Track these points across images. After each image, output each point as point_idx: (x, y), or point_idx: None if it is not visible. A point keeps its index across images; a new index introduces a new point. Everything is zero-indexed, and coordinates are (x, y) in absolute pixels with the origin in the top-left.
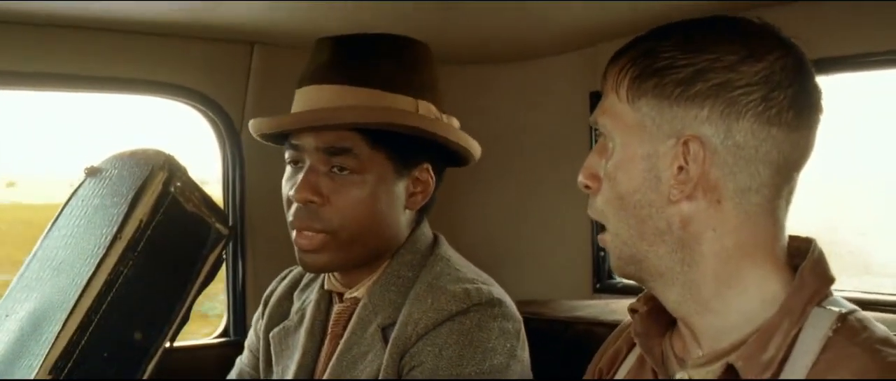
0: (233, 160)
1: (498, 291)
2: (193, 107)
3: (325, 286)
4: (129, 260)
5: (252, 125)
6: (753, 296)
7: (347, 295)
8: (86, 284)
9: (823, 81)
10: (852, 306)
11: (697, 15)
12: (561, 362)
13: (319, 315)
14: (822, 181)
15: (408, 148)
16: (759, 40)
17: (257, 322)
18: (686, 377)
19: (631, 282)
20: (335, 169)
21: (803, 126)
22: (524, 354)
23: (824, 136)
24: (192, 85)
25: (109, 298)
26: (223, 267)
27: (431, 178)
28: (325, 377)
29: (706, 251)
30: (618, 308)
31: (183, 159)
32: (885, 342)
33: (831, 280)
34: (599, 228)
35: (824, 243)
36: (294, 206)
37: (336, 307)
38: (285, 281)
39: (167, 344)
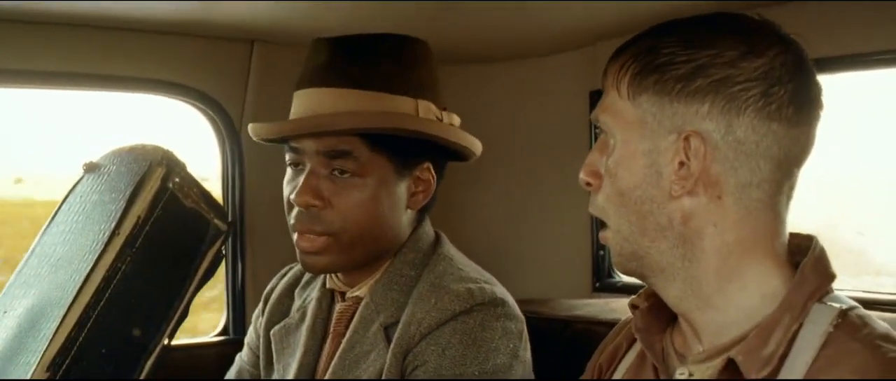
0: (232, 158)
1: (501, 290)
2: (193, 105)
3: (327, 285)
4: (127, 256)
5: (252, 129)
6: (754, 292)
7: (350, 294)
8: (84, 280)
9: (823, 79)
10: (853, 303)
11: (697, 14)
12: (560, 360)
13: (321, 314)
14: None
15: (408, 149)
16: (758, 36)
17: (257, 319)
18: (686, 373)
19: (630, 281)
20: (336, 172)
21: (803, 122)
22: (526, 354)
23: (824, 135)
24: (192, 83)
25: (108, 294)
26: (222, 264)
27: (432, 177)
28: (326, 376)
29: (707, 247)
30: (617, 307)
31: (182, 157)
32: (886, 338)
33: (832, 277)
34: (600, 225)
35: (824, 242)
36: (295, 209)
37: (338, 306)
38: (286, 278)
39: (166, 341)
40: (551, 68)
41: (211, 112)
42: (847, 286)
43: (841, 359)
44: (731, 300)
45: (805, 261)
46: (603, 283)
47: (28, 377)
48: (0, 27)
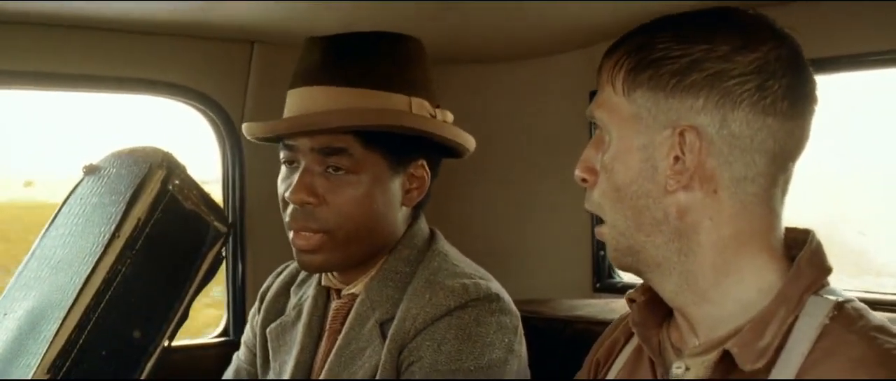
0: (232, 160)
1: (495, 286)
2: (193, 106)
3: (323, 283)
4: (127, 258)
5: (246, 129)
6: (750, 285)
7: (345, 291)
8: (84, 282)
9: (820, 79)
10: (849, 296)
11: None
12: (560, 360)
13: (317, 311)
14: (823, 180)
15: (402, 146)
16: (753, 31)
17: (254, 318)
18: (683, 366)
19: (631, 281)
20: (330, 169)
21: (798, 115)
22: (522, 349)
23: (824, 133)
24: (192, 84)
25: (108, 296)
26: (222, 266)
27: (427, 173)
28: (323, 373)
29: (703, 241)
30: (617, 307)
31: (182, 159)
32: (882, 329)
33: (828, 270)
34: (597, 221)
35: (825, 242)
36: (290, 206)
37: (334, 304)
38: (282, 277)
39: (166, 343)
40: (551, 68)
41: (211, 113)
42: (848, 287)
43: (837, 351)
44: (727, 294)
45: (801, 254)
46: (603, 283)
47: (28, 379)
48: (2, 29)
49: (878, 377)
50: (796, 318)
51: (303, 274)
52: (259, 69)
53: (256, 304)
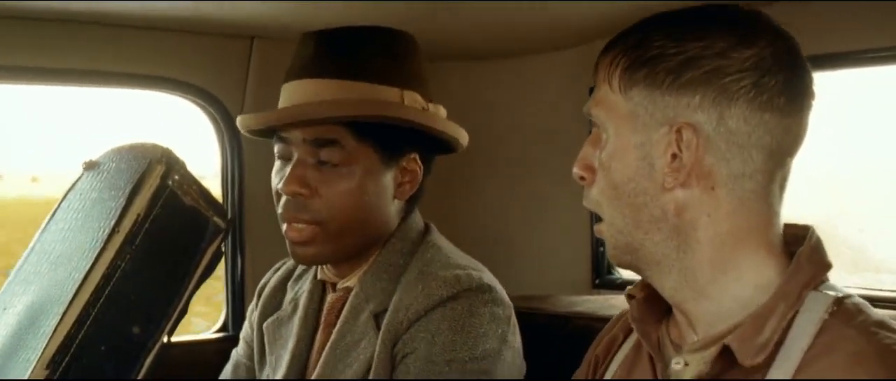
0: (232, 155)
1: (488, 277)
2: (193, 102)
3: (318, 277)
4: (126, 254)
5: (240, 122)
6: (748, 282)
7: (340, 285)
8: (83, 278)
9: (820, 77)
10: (848, 291)
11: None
12: (560, 356)
13: (313, 305)
14: (822, 177)
15: (394, 139)
16: (749, 27)
17: (252, 313)
18: (682, 362)
19: (630, 277)
20: (323, 161)
21: (795, 111)
22: (516, 339)
23: (822, 129)
24: (192, 80)
25: (107, 292)
26: (222, 261)
27: (419, 167)
28: (318, 366)
29: (701, 238)
30: (617, 304)
31: (182, 154)
32: (881, 325)
33: (828, 266)
34: (596, 218)
35: (824, 238)
36: (283, 198)
37: (329, 297)
38: (279, 272)
39: (165, 339)
40: (550, 65)
41: (211, 109)
42: (847, 284)
43: (836, 346)
44: (725, 291)
45: (801, 250)
46: (603, 279)
47: (27, 374)
48: (1, 24)
49: (877, 371)
50: (796, 313)
51: (299, 269)
52: (258, 65)
53: (254, 299)
